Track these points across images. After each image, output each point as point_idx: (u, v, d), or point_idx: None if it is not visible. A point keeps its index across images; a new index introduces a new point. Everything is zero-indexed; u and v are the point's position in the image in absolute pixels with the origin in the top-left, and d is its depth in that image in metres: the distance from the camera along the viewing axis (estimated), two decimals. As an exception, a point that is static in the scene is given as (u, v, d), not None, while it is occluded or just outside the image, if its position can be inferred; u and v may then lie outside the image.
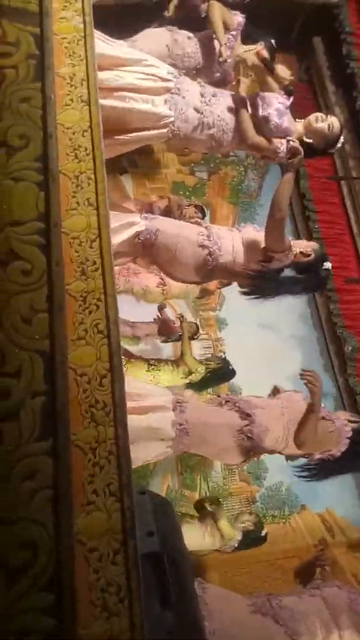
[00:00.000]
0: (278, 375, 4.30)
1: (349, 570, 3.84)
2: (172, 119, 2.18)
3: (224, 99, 2.31)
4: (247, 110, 2.26)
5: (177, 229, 2.25)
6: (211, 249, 2.22)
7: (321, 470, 2.21)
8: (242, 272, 2.29)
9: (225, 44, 2.58)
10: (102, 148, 1.29)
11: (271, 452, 2.34)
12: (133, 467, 1.93)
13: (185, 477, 3.84)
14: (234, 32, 2.73)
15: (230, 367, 3.69)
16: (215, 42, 2.64)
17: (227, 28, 2.65)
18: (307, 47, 4.67)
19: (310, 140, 2.40)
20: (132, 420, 1.86)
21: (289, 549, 3.78)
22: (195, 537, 2.96)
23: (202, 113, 2.23)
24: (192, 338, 3.96)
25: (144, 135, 2.16)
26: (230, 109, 2.27)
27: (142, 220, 2.17)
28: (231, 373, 3.69)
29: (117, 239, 2.05)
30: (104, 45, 1.99)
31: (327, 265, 2.33)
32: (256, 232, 2.32)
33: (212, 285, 3.84)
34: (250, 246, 2.27)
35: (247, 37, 2.78)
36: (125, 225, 2.10)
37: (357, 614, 2.00)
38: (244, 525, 3.12)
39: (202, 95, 2.27)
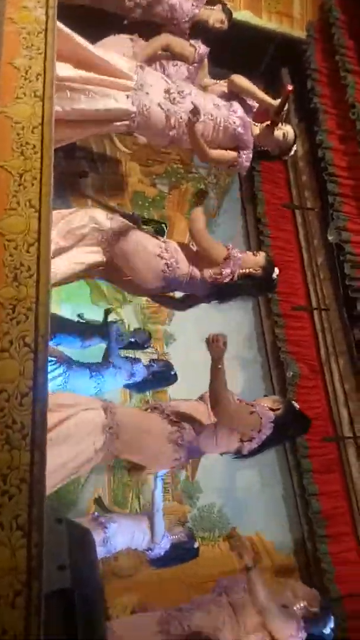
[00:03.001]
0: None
1: (272, 595, 3.85)
2: (133, 114, 2.15)
3: (190, 99, 2.28)
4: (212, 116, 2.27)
5: (136, 235, 2.23)
6: (168, 262, 2.22)
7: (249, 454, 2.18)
8: (198, 287, 2.30)
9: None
10: (52, 148, 1.22)
11: (201, 454, 2.32)
12: (61, 479, 1.81)
13: (117, 494, 3.72)
14: (196, 64, 2.75)
15: (173, 372, 3.65)
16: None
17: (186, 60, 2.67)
18: (275, 77, 4.81)
19: (265, 147, 2.51)
20: (60, 429, 1.78)
21: (216, 573, 3.73)
22: (125, 535, 2.86)
23: (165, 112, 2.21)
24: (142, 347, 3.90)
25: (101, 129, 2.13)
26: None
27: (107, 220, 2.13)
28: (173, 378, 3.65)
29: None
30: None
31: (276, 271, 2.41)
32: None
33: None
34: (204, 260, 2.29)
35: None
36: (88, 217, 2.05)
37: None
38: (176, 537, 3.05)
39: (167, 91, 2.25)
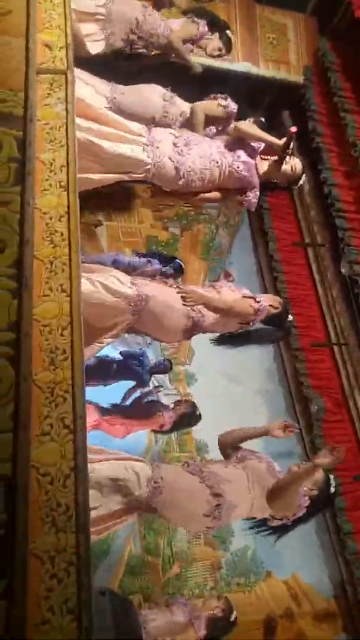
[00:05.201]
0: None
1: (315, 644, 3.71)
2: (149, 166, 2.34)
3: (196, 148, 2.46)
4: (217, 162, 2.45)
5: (164, 295, 2.34)
6: (194, 317, 2.35)
7: (277, 530, 2.31)
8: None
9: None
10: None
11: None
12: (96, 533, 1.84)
13: (149, 542, 3.68)
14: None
15: (197, 412, 3.72)
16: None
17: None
18: (276, 120, 5.00)
19: (275, 180, 2.64)
20: (103, 469, 1.84)
21: (254, 620, 3.63)
22: (162, 627, 2.77)
23: (175, 163, 2.40)
24: (165, 371, 4.14)
25: (119, 177, 2.30)
26: (200, 158, 2.44)
27: (132, 286, 2.25)
28: (197, 418, 3.73)
29: (108, 298, 2.12)
30: (85, 90, 2.12)
31: (291, 317, 2.56)
32: (232, 293, 2.43)
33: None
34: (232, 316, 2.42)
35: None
36: (116, 293, 2.16)
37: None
38: (212, 612, 2.88)
39: (174, 145, 2.44)
